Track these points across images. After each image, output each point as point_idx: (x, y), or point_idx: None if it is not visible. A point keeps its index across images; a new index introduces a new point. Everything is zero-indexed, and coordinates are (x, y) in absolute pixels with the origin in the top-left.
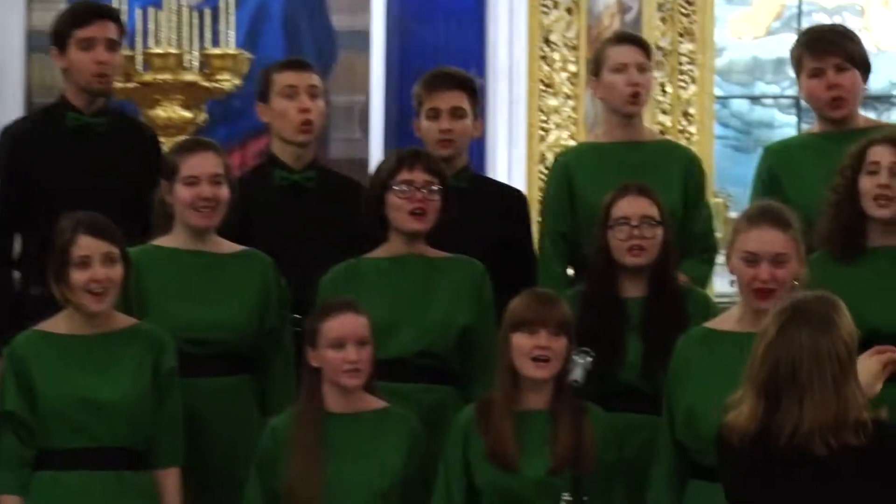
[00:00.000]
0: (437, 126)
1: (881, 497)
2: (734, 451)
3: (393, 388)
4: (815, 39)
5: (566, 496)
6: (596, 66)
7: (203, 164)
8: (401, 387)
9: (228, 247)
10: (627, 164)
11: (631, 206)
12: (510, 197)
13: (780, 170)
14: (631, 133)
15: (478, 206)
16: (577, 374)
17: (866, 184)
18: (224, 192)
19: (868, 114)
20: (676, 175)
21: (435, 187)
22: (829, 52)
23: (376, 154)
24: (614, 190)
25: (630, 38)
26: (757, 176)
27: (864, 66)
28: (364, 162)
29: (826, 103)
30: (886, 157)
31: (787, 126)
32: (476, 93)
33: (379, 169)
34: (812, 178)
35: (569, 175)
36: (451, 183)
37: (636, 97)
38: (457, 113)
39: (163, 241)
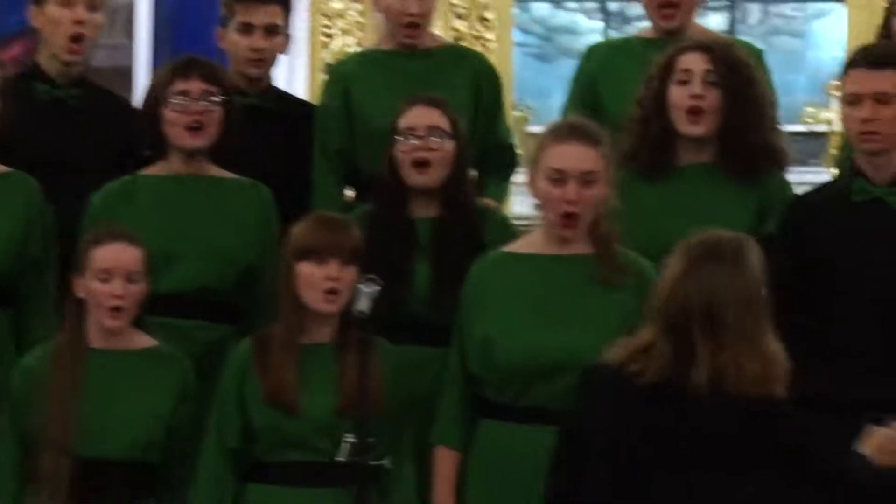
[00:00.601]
0: (250, 43)
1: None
2: (630, 398)
3: (167, 323)
4: None
5: (350, 438)
6: None
7: None
8: (176, 322)
9: None
10: (410, 73)
11: (418, 117)
12: (302, 111)
13: (599, 74)
14: (416, 42)
15: (284, 127)
16: (362, 304)
17: (677, 95)
18: None
19: None
20: (466, 85)
21: (214, 98)
22: None
23: (143, 63)
24: (395, 102)
25: None
26: (574, 79)
27: None
28: (127, 72)
29: (655, 9)
30: (699, 65)
31: (592, 32)
32: (290, 6)
33: (152, 81)
34: (632, 88)
35: (345, 86)
36: (254, 103)
37: (413, 28)
38: (272, 30)
39: None
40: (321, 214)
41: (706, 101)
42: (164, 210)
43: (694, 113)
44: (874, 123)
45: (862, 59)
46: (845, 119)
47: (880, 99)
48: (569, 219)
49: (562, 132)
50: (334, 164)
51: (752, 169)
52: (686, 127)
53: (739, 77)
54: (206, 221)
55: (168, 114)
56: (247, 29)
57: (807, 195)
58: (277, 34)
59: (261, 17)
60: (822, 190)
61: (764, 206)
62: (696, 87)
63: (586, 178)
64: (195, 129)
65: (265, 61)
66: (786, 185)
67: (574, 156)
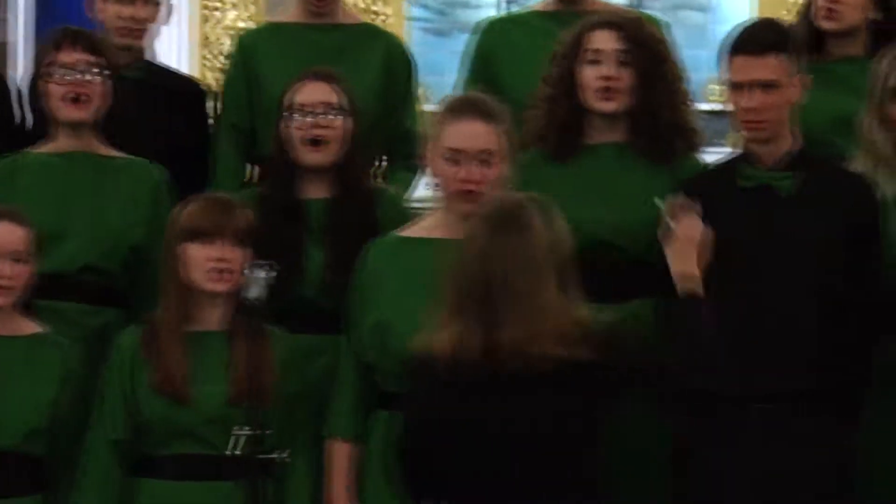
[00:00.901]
0: (124, 11)
1: (584, 408)
2: (433, 373)
3: (52, 307)
4: None
5: (243, 430)
6: None
7: None
8: (61, 306)
9: None
10: (318, 47)
11: (311, 93)
12: (191, 91)
13: (496, 49)
14: (323, 16)
15: (155, 100)
16: (255, 290)
17: (588, 75)
18: None
19: None
20: (377, 65)
21: (96, 70)
22: None
23: (24, 38)
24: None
25: None
26: (467, 55)
27: None
28: (4, 48)
29: None
30: (610, 44)
31: (488, 6)
32: None
33: (36, 56)
34: (529, 60)
35: (248, 59)
36: (123, 74)
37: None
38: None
39: None
40: (208, 195)
41: (618, 81)
42: (48, 188)
43: (604, 90)
44: (759, 112)
45: (743, 45)
46: (732, 103)
47: (763, 86)
48: (467, 193)
49: (458, 109)
50: (235, 139)
51: (664, 148)
52: (598, 104)
53: (651, 55)
54: (91, 199)
55: (50, 87)
56: None
57: (691, 180)
58: (153, 3)
59: None
60: (711, 173)
61: (677, 186)
62: (608, 68)
63: (484, 157)
64: (77, 100)
65: (140, 31)
66: (699, 166)
67: (471, 134)
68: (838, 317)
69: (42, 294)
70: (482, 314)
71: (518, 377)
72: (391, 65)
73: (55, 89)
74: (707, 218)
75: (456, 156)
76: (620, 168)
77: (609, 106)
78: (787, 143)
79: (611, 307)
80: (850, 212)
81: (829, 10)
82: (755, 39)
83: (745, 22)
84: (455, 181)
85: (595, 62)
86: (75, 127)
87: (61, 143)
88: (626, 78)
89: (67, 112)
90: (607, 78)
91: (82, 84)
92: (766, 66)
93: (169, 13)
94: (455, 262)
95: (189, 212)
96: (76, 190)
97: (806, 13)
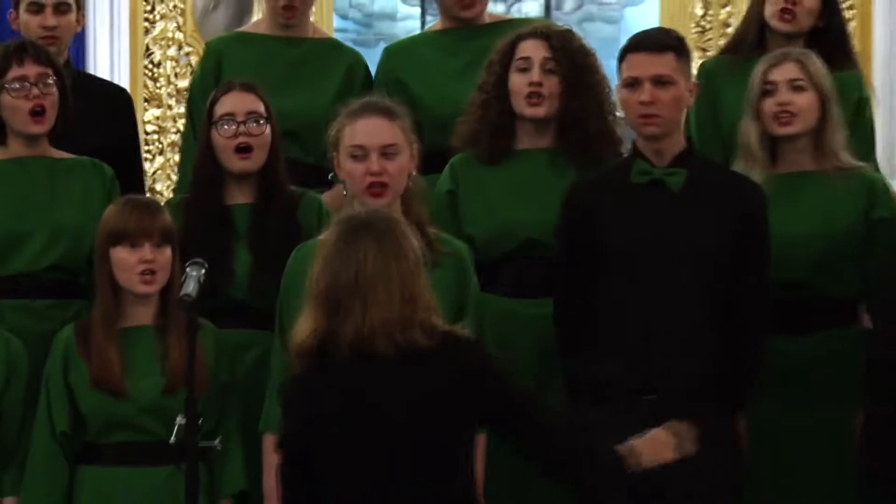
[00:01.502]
0: (40, 21)
1: (440, 392)
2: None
3: (21, 304)
4: None
5: (181, 419)
6: None
7: None
8: (29, 303)
9: None
10: (285, 59)
11: (235, 103)
12: (116, 96)
13: (404, 71)
14: (290, 29)
15: (82, 106)
16: (189, 287)
17: (517, 81)
18: None
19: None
20: (339, 76)
21: (50, 80)
22: None
23: None
24: (264, 84)
25: None
26: (378, 80)
27: None
28: None
29: (455, 2)
30: (538, 53)
31: (410, 18)
32: None
33: None
34: (440, 76)
35: (217, 63)
36: None
37: (290, 9)
38: (61, 8)
39: None
40: (129, 198)
41: (545, 87)
42: (7, 193)
43: (533, 97)
44: (653, 106)
45: (641, 43)
46: (624, 103)
47: (658, 81)
48: (374, 187)
49: (359, 109)
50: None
51: (590, 154)
52: (526, 109)
53: (578, 65)
54: (49, 201)
55: (7, 99)
56: (37, 8)
57: (586, 179)
58: (69, 12)
59: None
60: (601, 173)
61: (572, 185)
62: (535, 75)
63: (387, 151)
64: (38, 113)
65: (58, 39)
66: None
67: (372, 130)
68: (727, 310)
69: (9, 294)
70: (352, 304)
71: (381, 358)
72: (351, 78)
73: (14, 103)
74: (599, 214)
75: (360, 151)
76: (550, 172)
77: (537, 111)
78: (678, 143)
79: None
80: (739, 208)
81: (787, 11)
82: (653, 39)
83: (638, 33)
84: (362, 177)
85: (524, 70)
86: (33, 137)
87: (16, 149)
88: (552, 85)
89: (29, 126)
90: (535, 84)
91: (40, 96)
92: (662, 63)
93: (82, 20)
94: (324, 259)
95: (111, 216)
96: (35, 193)
97: (757, 12)
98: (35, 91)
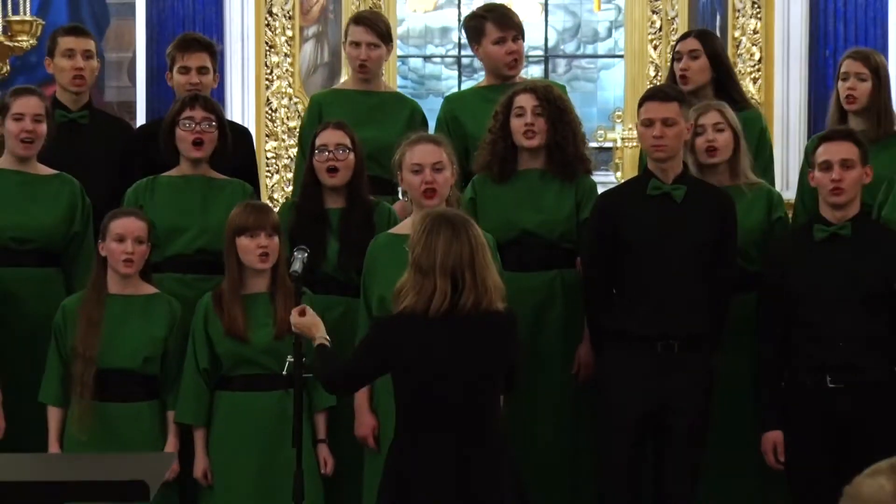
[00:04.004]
0: (188, 80)
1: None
2: (422, 323)
3: (177, 278)
4: (500, 15)
5: (290, 357)
6: (345, 38)
7: (27, 104)
8: (182, 277)
9: (44, 170)
10: (364, 106)
11: (329, 137)
12: (244, 134)
13: (459, 113)
14: (368, 84)
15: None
16: (296, 265)
17: (515, 123)
18: (42, 128)
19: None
20: (404, 121)
21: (212, 123)
22: (510, 25)
23: (141, 98)
24: (353, 126)
25: (362, 19)
26: (440, 120)
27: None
28: (131, 105)
29: (506, 64)
30: (529, 102)
31: (450, 78)
32: (216, 54)
33: (170, 110)
34: (483, 117)
35: (319, 111)
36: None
37: (363, 67)
38: (202, 70)
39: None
40: (248, 203)
41: (535, 126)
42: (173, 198)
43: (528, 133)
44: (662, 140)
45: (653, 94)
46: (641, 136)
47: (666, 122)
48: (428, 192)
49: (415, 139)
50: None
51: (570, 172)
52: (524, 141)
53: (557, 108)
54: (204, 206)
55: (179, 132)
56: (185, 71)
57: (611, 191)
58: (207, 73)
59: (194, 61)
60: (622, 187)
61: (580, 198)
62: (529, 118)
63: (436, 167)
64: (198, 144)
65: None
66: (593, 184)
67: (426, 152)
68: (711, 283)
69: (170, 269)
70: (471, 279)
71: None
72: (412, 122)
73: (183, 135)
74: (622, 218)
75: (418, 167)
76: (541, 186)
77: (531, 142)
78: (679, 166)
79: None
80: (720, 213)
81: (682, 76)
82: (662, 92)
83: (651, 87)
84: (419, 186)
85: (520, 115)
86: (195, 161)
87: (184, 169)
88: (540, 124)
89: (192, 152)
90: (528, 124)
91: (202, 132)
92: (669, 109)
93: (215, 77)
94: (437, 248)
95: (237, 214)
96: (192, 200)
97: (671, 79)
98: (198, 129)
